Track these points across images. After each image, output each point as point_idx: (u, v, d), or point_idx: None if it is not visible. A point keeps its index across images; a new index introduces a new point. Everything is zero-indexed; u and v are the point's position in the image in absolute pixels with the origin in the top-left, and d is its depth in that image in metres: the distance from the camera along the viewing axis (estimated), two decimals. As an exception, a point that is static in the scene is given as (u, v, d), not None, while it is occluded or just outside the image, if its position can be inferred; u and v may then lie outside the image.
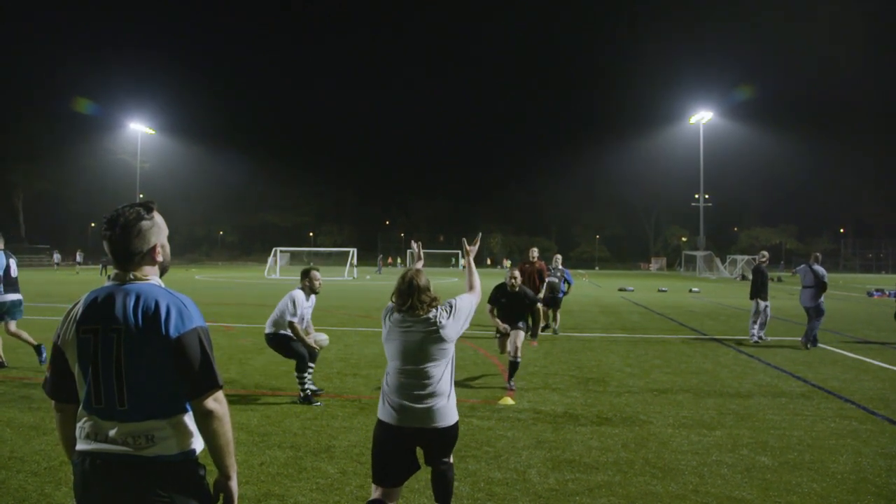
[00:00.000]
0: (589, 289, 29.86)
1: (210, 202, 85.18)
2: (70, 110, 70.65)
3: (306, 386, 6.30)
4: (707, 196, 61.02)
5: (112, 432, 1.82)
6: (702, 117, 58.67)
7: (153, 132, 66.42)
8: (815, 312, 10.56)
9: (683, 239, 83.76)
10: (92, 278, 33.50)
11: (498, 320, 7.18)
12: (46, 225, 73.21)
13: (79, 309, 1.91)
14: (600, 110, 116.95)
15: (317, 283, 6.33)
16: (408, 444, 3.04)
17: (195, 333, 1.86)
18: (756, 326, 11.16)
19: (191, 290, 23.45)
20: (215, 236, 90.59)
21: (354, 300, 19.72)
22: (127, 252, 1.92)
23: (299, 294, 6.19)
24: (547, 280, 11.23)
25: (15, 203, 69.81)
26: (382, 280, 35.99)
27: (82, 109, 70.15)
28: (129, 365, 1.82)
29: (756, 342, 10.99)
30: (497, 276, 19.45)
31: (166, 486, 1.81)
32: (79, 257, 48.78)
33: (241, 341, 10.19)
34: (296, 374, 6.14)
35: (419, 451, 3.17)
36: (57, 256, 50.66)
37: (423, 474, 4.00)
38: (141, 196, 62.07)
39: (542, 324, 11.72)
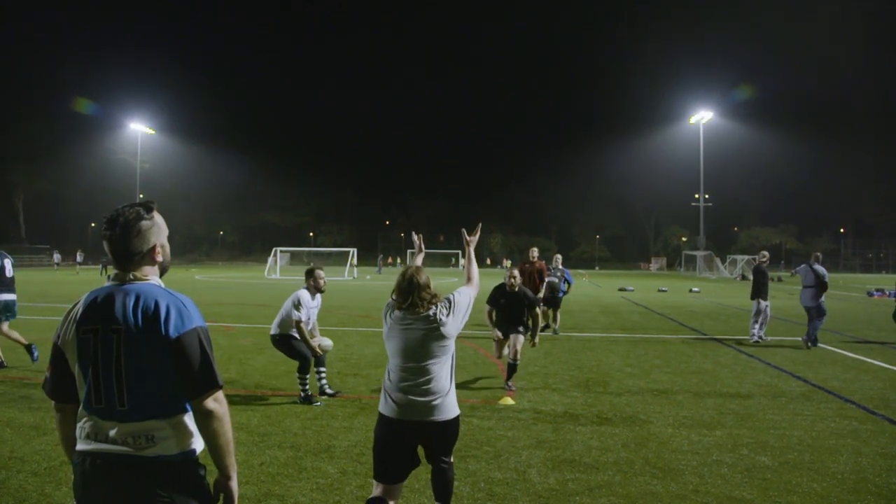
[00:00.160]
0: (589, 289, 29.86)
1: (210, 202, 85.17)
2: (70, 110, 70.73)
3: (325, 390, 6.37)
4: (707, 196, 61.04)
5: (112, 432, 1.82)
6: (702, 117, 58.66)
7: (153, 132, 66.42)
8: (816, 312, 10.56)
9: (683, 239, 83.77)
10: (92, 278, 33.51)
11: (494, 327, 7.12)
12: (46, 225, 73.22)
13: (79, 309, 1.91)
14: (600, 110, 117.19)
15: (321, 281, 6.34)
16: (409, 438, 3.05)
17: (195, 333, 1.86)
18: (757, 326, 11.16)
19: (191, 290, 23.45)
20: (215, 236, 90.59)
21: (354, 300, 19.72)
22: (127, 252, 1.92)
23: (304, 294, 6.19)
24: (547, 280, 11.23)
25: (15, 203, 69.79)
26: (383, 280, 36.00)
27: (82, 109, 70.19)
28: (129, 365, 1.82)
29: (756, 342, 10.99)
30: (497, 276, 19.46)
31: (166, 486, 1.81)
32: (79, 257, 48.78)
33: (241, 341, 10.19)
34: (297, 374, 6.14)
35: (420, 452, 3.18)
36: (57, 256, 50.65)
37: (424, 474, 4.01)
38: (141, 196, 62.07)
39: (542, 324, 11.74)
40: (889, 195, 77.55)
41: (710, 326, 13.63)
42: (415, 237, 3.89)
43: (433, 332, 3.08)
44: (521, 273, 10.52)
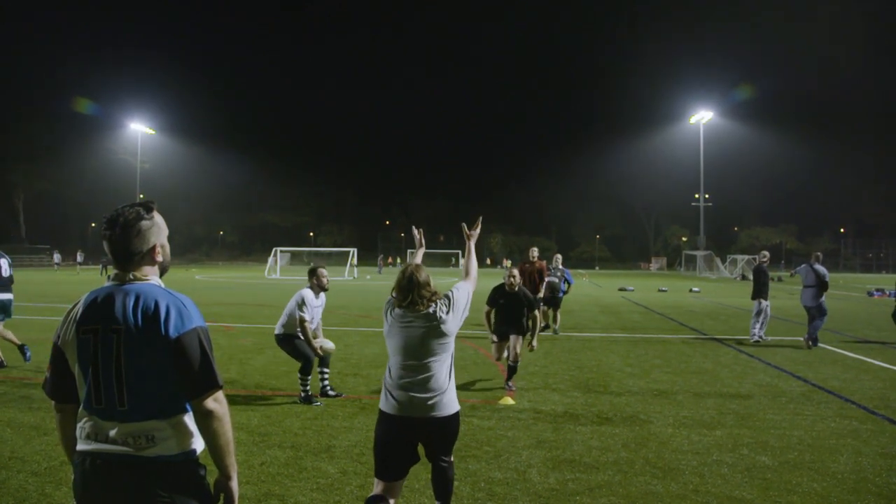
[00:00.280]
0: (589, 288, 29.86)
1: (210, 202, 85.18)
2: (70, 110, 70.72)
3: (327, 391, 6.38)
4: (707, 196, 61.03)
5: (112, 432, 1.82)
6: (702, 117, 58.66)
7: (153, 132, 66.44)
8: (817, 312, 10.57)
9: (684, 239, 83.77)
10: (92, 278, 33.51)
11: (492, 329, 7.09)
12: (47, 225, 73.21)
13: (79, 309, 1.91)
14: (600, 110, 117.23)
15: (325, 279, 6.35)
16: (409, 436, 3.06)
17: (195, 333, 1.86)
18: (758, 326, 11.17)
19: (191, 290, 23.45)
20: (215, 236, 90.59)
21: (355, 300, 19.72)
22: (127, 252, 1.92)
23: (308, 293, 6.20)
24: (547, 280, 11.23)
25: (15, 203, 69.78)
26: (383, 280, 36.00)
27: (82, 109, 70.18)
28: (129, 365, 1.82)
29: (756, 342, 10.99)
30: (497, 276, 19.45)
31: (167, 487, 1.81)
32: (79, 257, 48.77)
33: (241, 341, 10.19)
34: (299, 375, 6.14)
35: (420, 451, 3.18)
36: (57, 256, 50.59)
37: (424, 474, 4.01)
38: (141, 196, 62.08)
39: (542, 324, 11.74)
40: (889, 195, 77.57)
41: (711, 326, 13.63)
42: (415, 231, 3.87)
43: (433, 329, 3.09)
44: (522, 273, 10.52)
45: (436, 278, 3.28)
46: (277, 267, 41.12)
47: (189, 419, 1.90)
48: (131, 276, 1.93)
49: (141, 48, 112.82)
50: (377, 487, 3.05)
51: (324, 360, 6.41)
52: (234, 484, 1.93)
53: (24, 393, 6.38)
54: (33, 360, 8.01)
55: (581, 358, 9.11)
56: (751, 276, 12.23)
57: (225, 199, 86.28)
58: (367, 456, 4.50)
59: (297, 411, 5.83)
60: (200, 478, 1.90)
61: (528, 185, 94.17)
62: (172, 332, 1.82)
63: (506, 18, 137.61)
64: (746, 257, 54.41)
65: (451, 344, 3.18)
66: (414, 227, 3.91)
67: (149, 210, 1.99)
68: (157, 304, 1.85)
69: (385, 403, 3.10)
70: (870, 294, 27.03)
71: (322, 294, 6.40)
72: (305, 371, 6.09)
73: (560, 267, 12.35)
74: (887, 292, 26.31)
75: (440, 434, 3.11)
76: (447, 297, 3.20)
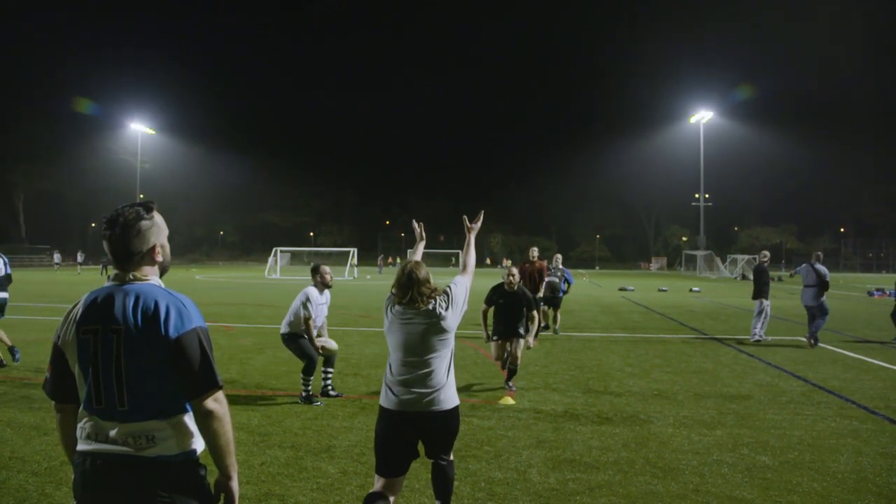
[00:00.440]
0: (589, 288, 29.86)
1: (210, 202, 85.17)
2: (70, 110, 70.67)
3: (328, 391, 6.39)
4: (707, 196, 61.00)
5: (112, 433, 1.82)
6: (702, 117, 58.63)
7: (153, 132, 66.43)
8: (819, 311, 10.58)
9: (684, 238, 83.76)
10: (93, 278, 33.52)
11: (487, 328, 7.05)
12: (47, 225, 73.17)
13: (79, 309, 1.91)
14: (600, 110, 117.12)
15: (328, 277, 6.38)
16: (409, 431, 3.07)
17: (195, 333, 1.86)
18: (759, 325, 11.18)
19: (191, 290, 23.45)
20: (215, 236, 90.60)
21: (355, 300, 19.73)
22: (126, 252, 1.92)
23: (313, 291, 6.21)
24: (547, 280, 11.23)
25: (15, 203, 69.76)
26: (383, 280, 36.00)
27: (82, 109, 70.14)
28: (129, 365, 1.82)
29: (757, 341, 11.00)
30: (497, 276, 19.45)
31: (167, 487, 1.81)
32: (79, 257, 48.77)
33: (241, 341, 10.19)
34: (301, 374, 6.15)
35: (420, 450, 3.18)
36: (57, 256, 50.59)
37: (424, 474, 4.01)
38: (141, 196, 62.07)
39: (542, 324, 11.73)
40: (889, 195, 77.53)
41: (711, 326, 13.63)
42: (415, 225, 3.85)
43: (434, 326, 3.10)
44: (522, 273, 10.52)
45: (436, 278, 3.28)
46: (277, 267, 41.13)
47: (189, 419, 1.90)
48: (131, 277, 1.93)
49: (141, 48, 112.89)
50: (377, 484, 3.06)
51: (329, 360, 6.42)
52: (235, 484, 1.93)
53: (24, 393, 6.38)
54: (33, 360, 8.02)
55: (581, 358, 9.11)
56: (751, 276, 12.22)
57: (225, 199, 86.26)
58: (367, 456, 4.50)
59: (297, 411, 5.83)
60: (201, 478, 1.90)
61: (528, 185, 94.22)
62: (172, 333, 1.82)
63: (506, 18, 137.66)
64: (746, 257, 54.43)
65: (451, 340, 3.19)
66: (414, 221, 3.88)
67: (149, 210, 1.98)
68: (156, 305, 1.85)
69: (385, 399, 3.11)
70: (870, 294, 27.03)
71: (326, 291, 6.43)
72: (308, 371, 6.10)
73: (560, 267, 12.35)
74: (887, 292, 26.30)
75: (441, 429, 3.12)
76: (446, 293, 3.21)
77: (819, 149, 77.45)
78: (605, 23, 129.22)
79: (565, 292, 12.47)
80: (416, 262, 3.24)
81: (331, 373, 6.47)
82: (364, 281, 34.85)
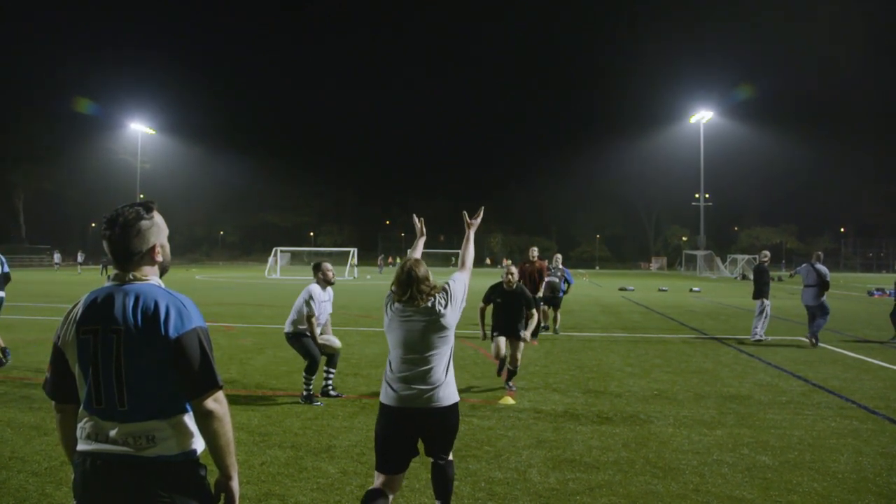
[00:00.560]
0: (589, 288, 29.85)
1: (210, 202, 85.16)
2: (70, 110, 70.66)
3: (329, 391, 6.39)
4: (707, 195, 60.98)
5: (113, 433, 1.82)
6: (702, 117, 58.62)
7: (153, 132, 66.43)
8: (820, 311, 10.58)
9: (684, 238, 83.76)
10: (93, 278, 33.51)
11: (484, 326, 7.01)
12: (47, 225, 73.16)
13: (79, 309, 1.91)
14: (600, 110, 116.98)
15: (330, 273, 6.41)
16: (409, 428, 3.07)
17: (194, 334, 1.86)
18: (760, 325, 11.19)
19: (191, 290, 23.45)
20: (216, 236, 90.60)
21: (355, 300, 19.72)
22: (126, 252, 1.92)
23: (316, 288, 6.23)
24: (547, 280, 11.23)
25: (15, 203, 69.76)
26: (383, 279, 35.99)
27: (82, 109, 70.13)
28: (129, 365, 1.82)
29: (758, 340, 11.00)
30: (496, 276, 19.48)
31: (167, 487, 1.81)
32: (80, 257, 48.76)
33: (241, 341, 10.19)
34: (304, 374, 6.15)
35: (420, 448, 3.18)
36: (57, 256, 50.58)
37: (424, 474, 4.01)
38: (141, 196, 62.06)
39: (542, 325, 11.73)
40: (889, 195, 77.52)
41: (711, 326, 13.63)
42: (416, 220, 3.80)
43: (433, 323, 3.11)
44: (522, 273, 10.52)
45: (436, 278, 3.28)
46: (278, 267, 41.12)
47: (189, 419, 1.90)
48: (131, 277, 1.93)
49: (141, 48, 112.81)
50: (377, 480, 3.07)
51: (331, 360, 6.43)
52: (235, 484, 1.93)
53: (25, 393, 6.38)
54: (33, 360, 8.02)
55: (581, 358, 9.10)
56: (751, 276, 12.23)
57: (225, 199, 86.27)
58: (367, 456, 4.50)
59: (297, 411, 5.83)
60: (201, 478, 1.90)
61: (528, 185, 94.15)
62: (172, 333, 1.82)
63: (506, 18, 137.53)
64: (747, 257, 54.44)
65: (450, 337, 3.20)
66: (415, 216, 3.84)
67: (149, 210, 1.98)
68: (156, 305, 1.85)
69: (385, 396, 3.12)
70: (870, 294, 27.03)
71: (329, 288, 6.45)
72: (311, 371, 6.10)
73: (560, 267, 12.34)
74: (887, 292, 26.30)
75: (440, 426, 3.12)
76: (445, 290, 3.21)
77: (819, 149, 77.51)
78: (605, 23, 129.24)
79: (565, 292, 12.47)
80: (416, 260, 3.24)
81: (332, 373, 6.48)
82: (364, 281, 34.85)
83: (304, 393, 6.13)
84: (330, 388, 6.44)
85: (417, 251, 3.60)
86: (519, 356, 6.86)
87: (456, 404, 3.16)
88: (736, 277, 47.22)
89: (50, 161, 68.16)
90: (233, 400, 6.04)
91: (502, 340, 6.90)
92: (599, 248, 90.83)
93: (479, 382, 7.30)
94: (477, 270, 53.58)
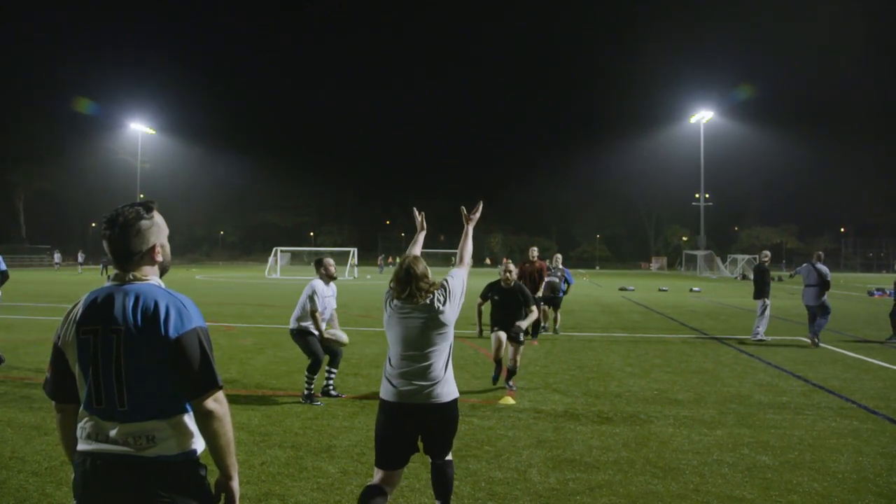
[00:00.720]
0: (589, 288, 29.85)
1: (210, 202, 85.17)
2: (70, 110, 70.71)
3: (329, 391, 6.38)
4: (707, 195, 61.00)
5: (113, 433, 1.82)
6: (702, 117, 58.62)
7: (153, 132, 66.45)
8: (821, 311, 10.58)
9: (684, 238, 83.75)
10: (93, 278, 33.51)
11: (480, 322, 6.98)
12: (47, 225, 73.20)
13: (79, 310, 1.91)
14: (600, 110, 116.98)
15: (331, 268, 6.44)
16: (409, 423, 3.08)
17: (194, 334, 1.86)
18: (761, 325, 11.19)
19: (191, 290, 23.45)
20: (216, 236, 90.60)
21: (355, 300, 19.71)
22: (126, 252, 1.92)
23: (319, 283, 6.25)
24: (547, 279, 11.22)
25: (15, 203, 69.76)
26: (383, 279, 35.99)
27: (82, 109, 70.16)
28: (129, 365, 1.82)
29: (760, 340, 11.01)
30: (496, 276, 19.47)
31: (167, 487, 1.81)
32: (80, 257, 48.75)
33: (241, 341, 10.19)
34: (306, 372, 6.15)
35: (421, 448, 3.18)
36: (57, 256, 50.57)
37: (424, 474, 4.01)
38: (141, 196, 62.04)
39: (542, 324, 11.73)
40: (889, 195, 77.54)
41: (711, 326, 13.63)
42: (416, 213, 3.76)
43: (433, 320, 3.11)
44: (522, 273, 10.52)
45: (436, 277, 3.28)
46: (278, 267, 41.13)
47: (189, 419, 1.89)
48: (131, 277, 1.92)
49: (141, 48, 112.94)
50: (376, 476, 3.08)
51: (334, 360, 6.43)
52: (235, 484, 1.93)
53: (25, 393, 6.38)
54: (33, 360, 8.02)
55: (581, 358, 9.10)
56: (751, 276, 12.23)
57: (225, 199, 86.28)
58: (367, 456, 4.50)
59: (297, 411, 5.83)
60: (201, 478, 1.90)
61: (528, 185, 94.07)
62: (172, 333, 1.82)
63: (506, 18, 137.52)
64: (747, 257, 54.44)
65: (450, 333, 3.20)
66: (415, 209, 3.78)
67: (149, 210, 1.98)
68: (156, 305, 1.85)
69: (385, 391, 3.13)
70: (870, 294, 27.03)
71: (332, 283, 6.46)
72: (313, 370, 6.10)
73: (560, 267, 12.34)
74: (887, 292, 26.30)
75: (440, 422, 3.12)
76: (444, 286, 3.21)
77: (819, 149, 77.53)
78: (605, 23, 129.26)
79: (565, 292, 12.46)
80: (415, 257, 3.24)
81: (334, 373, 6.48)
82: (364, 280, 34.86)
83: (305, 392, 6.13)
84: (331, 387, 6.44)
85: (417, 246, 3.58)
86: (519, 358, 6.86)
87: (455, 401, 3.16)
88: (736, 277, 47.22)
89: (50, 161, 68.15)
90: (233, 400, 6.04)
91: (503, 334, 6.88)
92: (599, 247, 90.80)
93: (479, 382, 7.30)
94: (476, 270, 53.56)
